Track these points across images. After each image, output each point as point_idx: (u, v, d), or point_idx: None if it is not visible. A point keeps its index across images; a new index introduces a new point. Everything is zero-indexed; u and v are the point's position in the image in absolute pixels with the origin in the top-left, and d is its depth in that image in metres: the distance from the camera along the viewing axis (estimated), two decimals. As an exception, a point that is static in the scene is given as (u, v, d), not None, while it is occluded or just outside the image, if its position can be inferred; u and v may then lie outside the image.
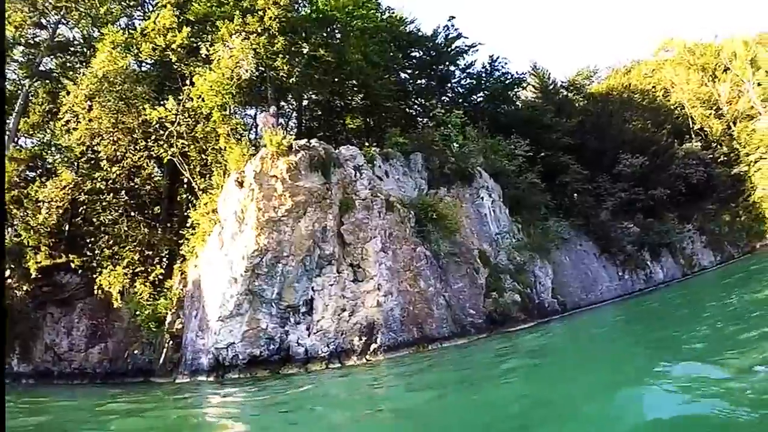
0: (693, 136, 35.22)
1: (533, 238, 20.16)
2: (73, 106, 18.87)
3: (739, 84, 36.97)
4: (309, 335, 14.34)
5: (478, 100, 28.44)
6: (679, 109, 37.21)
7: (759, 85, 35.72)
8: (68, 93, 18.90)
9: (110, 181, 19.36)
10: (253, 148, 16.13)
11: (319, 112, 23.51)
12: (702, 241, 32.13)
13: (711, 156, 33.21)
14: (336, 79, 19.36)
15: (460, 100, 27.06)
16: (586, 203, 25.93)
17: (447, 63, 26.86)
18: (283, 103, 22.09)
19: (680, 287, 25.08)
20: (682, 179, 30.74)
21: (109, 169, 19.07)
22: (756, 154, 33.34)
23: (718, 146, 34.88)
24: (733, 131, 35.70)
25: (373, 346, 14.12)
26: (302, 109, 22.65)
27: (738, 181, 33.50)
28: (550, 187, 24.36)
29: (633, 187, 28.01)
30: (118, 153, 19.26)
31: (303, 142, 15.41)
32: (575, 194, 25.93)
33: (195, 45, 18.94)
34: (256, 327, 14.19)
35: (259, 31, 17.39)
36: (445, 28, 26.35)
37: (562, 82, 34.64)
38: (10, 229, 21.28)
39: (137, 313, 17.43)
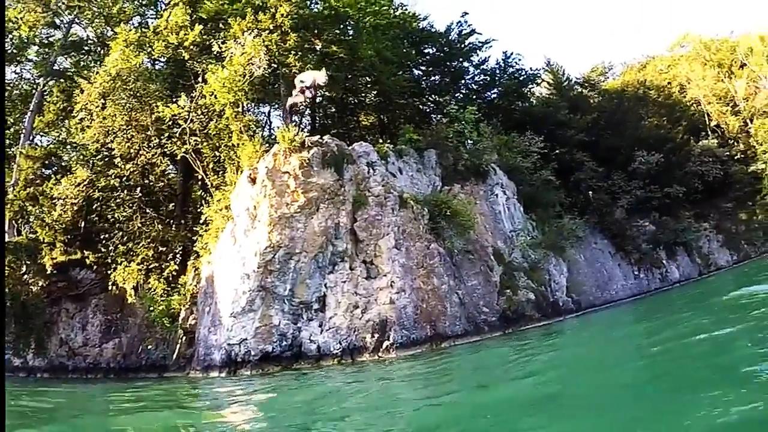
0: (709, 133, 34.53)
1: (548, 235, 19.92)
2: (87, 104, 19.10)
3: (756, 80, 36.16)
4: (321, 332, 14.32)
5: (492, 96, 28.22)
6: (695, 105, 36.53)
7: (777, 80, 35.02)
8: (82, 91, 19.10)
9: (124, 179, 19.49)
10: (267, 144, 16.12)
11: (333, 110, 23.43)
12: (718, 240, 31.54)
13: (728, 153, 32.49)
14: (349, 76, 19.26)
15: (474, 97, 26.82)
16: (601, 201, 25.59)
17: (460, 59, 26.64)
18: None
19: (696, 287, 24.68)
20: (698, 177, 30.19)
21: (123, 166, 19.22)
22: (773, 152, 32.63)
23: (735, 143, 34.13)
24: (750, 128, 34.86)
25: (386, 343, 14.05)
26: (315, 106, 22.60)
27: (755, 178, 32.65)
28: (565, 184, 24.07)
29: (648, 184, 27.57)
30: (131, 150, 19.40)
31: (316, 138, 15.36)
32: (590, 192, 25.60)
33: (207, 43, 18.98)
34: (268, 323, 14.20)
35: (271, 28, 17.36)
36: (458, 25, 26.18)
37: (577, 78, 34.23)
38: (26, 225, 21.60)
39: (151, 308, 17.54)
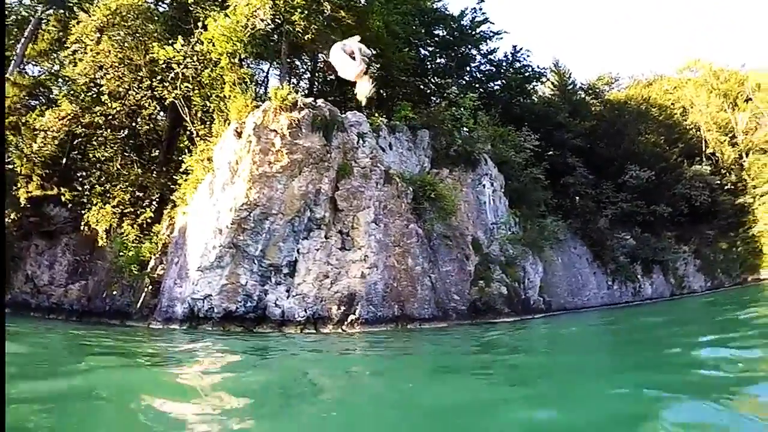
0: (704, 159, 34.81)
1: (529, 233, 19.85)
2: (82, 36, 18.52)
3: (759, 116, 36.49)
4: (288, 297, 14.12)
5: (495, 87, 27.93)
6: (694, 130, 36.71)
7: (779, 120, 35.31)
8: (79, 23, 18.51)
9: (110, 117, 18.96)
10: (259, 101, 15.69)
11: (333, 77, 22.71)
12: (695, 265, 31.98)
13: (718, 182, 32.85)
14: (353, 44, 18.68)
15: (477, 85, 26.53)
16: (586, 207, 25.66)
17: (469, 46, 26.21)
18: (297, 63, 21.43)
19: (668, 306, 24.86)
20: (685, 200, 30.48)
21: (110, 104, 18.68)
22: (763, 188, 33.09)
23: (727, 174, 34.55)
24: (744, 161, 35.38)
25: (351, 317, 13.92)
26: (316, 69, 21.99)
27: (741, 211, 33.25)
28: (554, 185, 24.04)
29: (636, 199, 27.71)
30: (121, 89, 18.87)
31: (309, 100, 14.98)
32: (577, 197, 25.64)
33: (214, -12, 18.37)
34: (235, 282, 13.96)
35: (281, -18, 16.79)
36: (473, 11, 25.78)
37: (582, 83, 34.13)
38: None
39: (121, 253, 17.15)
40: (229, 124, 15.49)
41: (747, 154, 35.57)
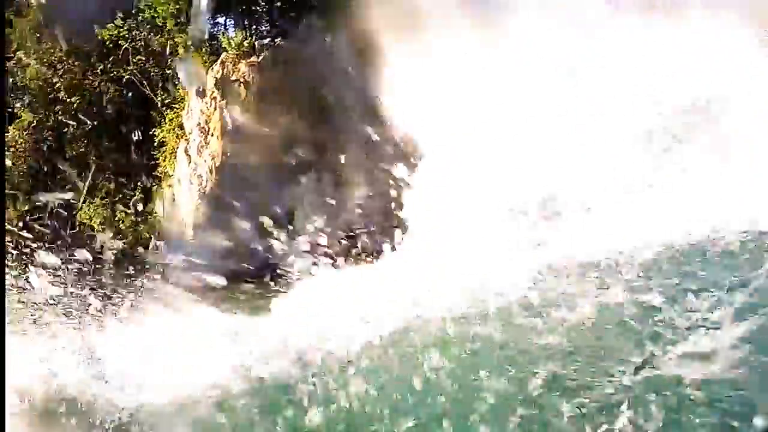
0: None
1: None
2: (21, 40, 18.06)
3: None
4: (291, 245, 14.02)
5: None
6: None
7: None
8: (11, 25, 17.96)
9: (72, 112, 18.39)
10: (216, 55, 14.99)
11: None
12: None
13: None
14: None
15: None
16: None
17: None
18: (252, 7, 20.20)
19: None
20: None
21: (68, 100, 18.15)
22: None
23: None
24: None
25: (355, 250, 13.80)
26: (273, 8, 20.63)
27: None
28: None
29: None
30: (75, 81, 18.21)
31: (266, 41, 14.35)
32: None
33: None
34: (232, 241, 13.85)
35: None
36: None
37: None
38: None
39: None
40: (190, 85, 14.93)
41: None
